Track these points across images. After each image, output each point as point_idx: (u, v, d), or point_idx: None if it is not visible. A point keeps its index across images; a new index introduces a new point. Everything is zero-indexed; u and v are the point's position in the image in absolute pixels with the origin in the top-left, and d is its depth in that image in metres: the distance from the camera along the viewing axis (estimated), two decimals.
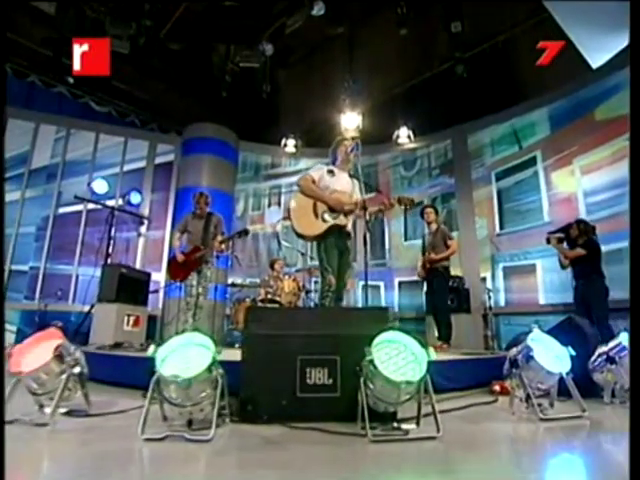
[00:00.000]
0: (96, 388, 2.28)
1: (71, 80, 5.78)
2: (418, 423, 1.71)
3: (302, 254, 5.83)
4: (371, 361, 1.63)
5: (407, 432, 1.64)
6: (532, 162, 5.92)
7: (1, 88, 2.34)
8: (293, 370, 1.90)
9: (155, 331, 6.01)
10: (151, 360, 1.63)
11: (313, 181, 2.95)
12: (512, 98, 6.18)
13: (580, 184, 5.38)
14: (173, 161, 7.03)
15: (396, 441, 1.57)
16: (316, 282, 6.14)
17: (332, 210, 2.89)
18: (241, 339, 2.09)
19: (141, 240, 6.51)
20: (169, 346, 1.70)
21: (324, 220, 2.86)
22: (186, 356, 1.67)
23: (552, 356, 1.90)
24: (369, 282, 7.12)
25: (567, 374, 1.86)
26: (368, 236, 3.03)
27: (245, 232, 4.51)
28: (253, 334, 1.98)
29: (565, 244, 4.18)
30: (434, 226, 4.61)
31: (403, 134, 6.85)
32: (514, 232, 5.88)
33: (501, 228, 6.06)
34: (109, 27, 5.05)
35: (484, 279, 6.01)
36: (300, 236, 2.94)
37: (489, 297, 5.39)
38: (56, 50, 5.19)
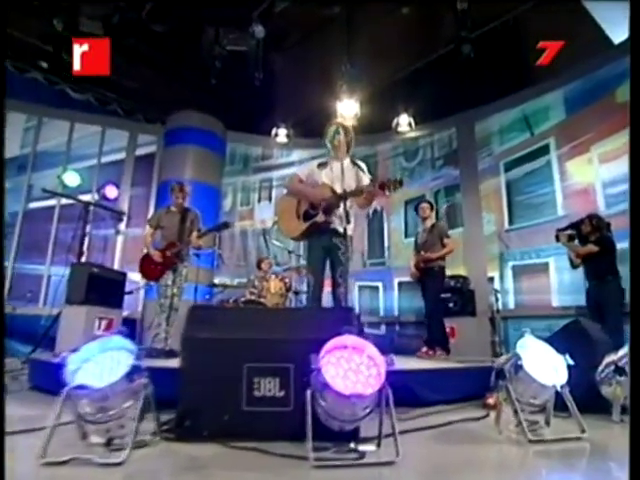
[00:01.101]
0: (41, 399, 2.09)
1: (45, 65, 5.66)
2: (379, 444, 1.52)
3: (289, 252, 5.65)
4: (319, 370, 1.44)
5: (363, 455, 1.45)
6: (545, 150, 5.75)
7: (1, 85, 2.39)
8: (239, 380, 1.73)
9: (134, 335, 5.87)
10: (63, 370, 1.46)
11: (300, 180, 2.96)
12: (523, 80, 5.98)
13: (598, 174, 5.17)
14: (155, 153, 6.95)
15: (346, 466, 1.37)
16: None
17: (313, 207, 2.85)
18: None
19: (120, 238, 6.40)
20: (83, 354, 1.52)
21: (304, 220, 2.86)
22: (102, 364, 1.49)
23: (547, 365, 1.69)
24: (366, 283, 7.04)
25: (562, 387, 1.63)
26: (350, 229, 2.87)
27: (225, 225, 4.35)
28: (193, 338, 1.80)
29: (576, 242, 4.03)
30: (429, 223, 4.45)
31: (403, 122, 6.68)
32: (525, 228, 5.72)
33: (510, 223, 5.90)
34: (81, 5, 4.93)
35: (491, 279, 5.86)
36: (292, 238, 3.04)
37: (496, 299, 5.29)
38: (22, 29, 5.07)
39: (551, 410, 1.78)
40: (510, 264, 5.78)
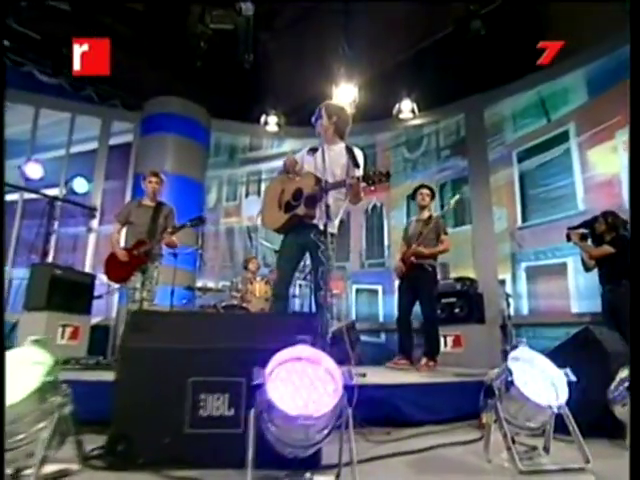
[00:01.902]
0: None
1: (7, 43, 5.58)
2: (339, 474, 1.39)
3: (277, 252, 5.54)
4: (263, 387, 1.31)
5: None
6: (563, 137, 5.67)
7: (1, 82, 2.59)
8: (182, 397, 1.62)
9: (107, 345, 5.77)
10: None
11: (295, 162, 2.91)
12: (539, 59, 5.82)
13: (624, 164, 5.02)
14: (131, 142, 6.89)
15: None
16: (301, 286, 5.89)
17: (295, 197, 2.82)
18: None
19: (92, 236, 6.32)
20: None
21: (285, 211, 2.83)
22: (11, 380, 1.36)
23: (543, 382, 1.55)
24: (365, 286, 6.90)
25: (560, 408, 1.49)
26: (333, 226, 2.84)
27: (200, 220, 4.26)
28: (129, 348, 1.69)
29: (590, 241, 3.94)
30: (427, 213, 4.29)
31: (406, 108, 6.56)
32: (540, 224, 5.64)
33: (524, 220, 5.85)
34: None
35: (502, 282, 5.80)
36: (274, 230, 2.98)
37: (508, 304, 5.06)
38: None
39: (550, 434, 1.63)
40: (523, 265, 5.70)
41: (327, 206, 2.66)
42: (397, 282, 4.43)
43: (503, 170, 6.10)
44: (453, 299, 5.15)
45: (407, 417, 2.29)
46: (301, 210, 2.75)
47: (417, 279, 4.05)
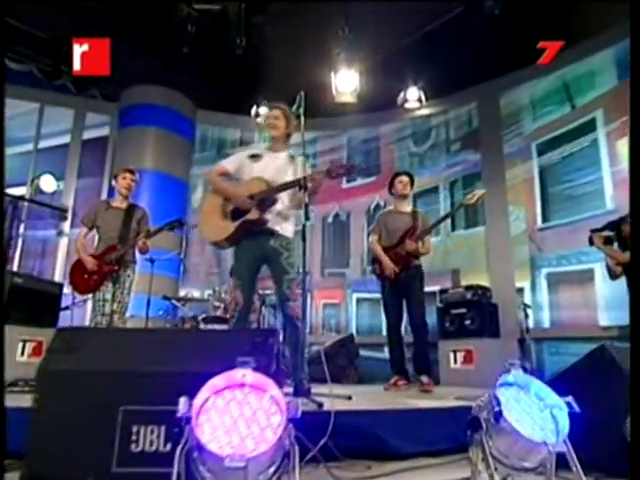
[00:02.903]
0: None
1: None
2: None
3: None
4: (189, 421, 1.19)
5: None
6: (590, 127, 5.58)
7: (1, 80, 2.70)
8: (111, 428, 1.53)
9: None
10: None
11: (224, 173, 2.95)
12: (562, 39, 5.67)
13: None
14: (108, 136, 6.89)
15: None
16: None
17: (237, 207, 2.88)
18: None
19: (63, 241, 6.27)
20: None
21: (232, 219, 2.81)
22: None
23: (542, 413, 1.42)
24: (366, 295, 6.80)
25: (558, 446, 1.35)
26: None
27: (179, 222, 4.19)
28: (51, 371, 1.58)
29: (616, 245, 3.82)
30: (409, 207, 4.20)
31: (412, 96, 6.57)
32: (563, 225, 5.55)
33: (545, 220, 5.76)
34: None
35: (520, 290, 5.73)
36: (214, 245, 2.97)
37: (526, 315, 5.04)
38: None
39: (552, 472, 1.48)
40: (544, 271, 5.62)
41: (306, 205, 2.64)
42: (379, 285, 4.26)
43: (521, 164, 6.05)
44: (463, 310, 5.12)
45: (393, 449, 2.17)
46: (253, 215, 2.71)
47: (408, 280, 3.93)
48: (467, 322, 5.06)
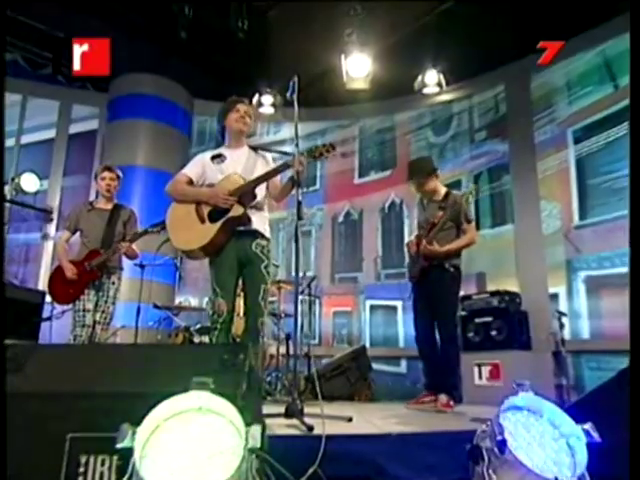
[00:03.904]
0: None
1: None
2: None
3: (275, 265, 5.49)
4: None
5: None
6: None
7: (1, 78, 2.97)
8: (58, 459, 1.44)
9: None
10: None
11: (190, 181, 2.99)
12: (602, 10, 5.65)
13: None
14: (96, 130, 6.95)
15: None
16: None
17: (214, 206, 2.91)
18: None
19: (48, 245, 6.33)
20: None
21: (211, 221, 2.83)
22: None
23: (556, 443, 1.29)
24: (380, 302, 6.73)
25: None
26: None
27: (165, 224, 4.14)
28: None
29: None
30: (441, 191, 3.92)
31: (431, 80, 6.49)
32: (604, 223, 5.45)
33: (582, 217, 5.69)
34: None
35: (555, 296, 5.69)
36: (190, 254, 2.98)
37: (562, 325, 5.08)
38: None
39: None
40: (582, 275, 5.58)
41: (299, 202, 2.69)
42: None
43: (554, 154, 5.99)
44: (489, 318, 5.12)
45: (392, 478, 2.05)
46: (237, 211, 2.74)
47: (433, 284, 3.69)
48: (493, 332, 5.05)
